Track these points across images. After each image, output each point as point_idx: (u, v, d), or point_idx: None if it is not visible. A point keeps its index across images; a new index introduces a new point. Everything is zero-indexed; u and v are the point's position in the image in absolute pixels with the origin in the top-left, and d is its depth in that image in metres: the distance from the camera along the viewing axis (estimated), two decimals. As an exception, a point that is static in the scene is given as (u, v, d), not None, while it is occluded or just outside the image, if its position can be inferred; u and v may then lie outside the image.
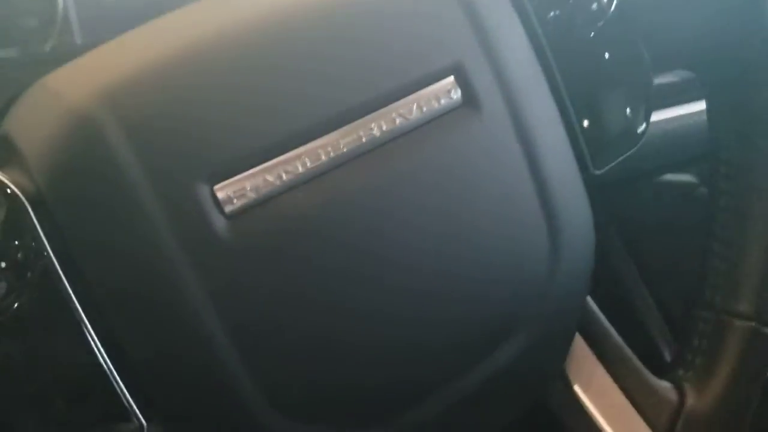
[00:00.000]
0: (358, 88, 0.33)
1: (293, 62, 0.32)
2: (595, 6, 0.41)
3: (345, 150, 0.32)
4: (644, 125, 0.42)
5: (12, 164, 0.31)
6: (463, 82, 0.35)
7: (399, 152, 0.33)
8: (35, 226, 0.29)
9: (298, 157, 0.31)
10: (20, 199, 0.28)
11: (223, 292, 0.30)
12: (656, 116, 0.48)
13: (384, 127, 0.33)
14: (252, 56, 0.31)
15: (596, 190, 0.40)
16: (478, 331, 0.36)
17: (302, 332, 0.32)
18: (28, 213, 0.28)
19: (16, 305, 0.28)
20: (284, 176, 0.31)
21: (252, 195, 0.30)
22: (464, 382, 0.37)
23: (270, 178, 0.31)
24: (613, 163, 0.41)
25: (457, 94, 0.35)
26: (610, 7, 0.41)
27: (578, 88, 0.40)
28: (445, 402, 0.37)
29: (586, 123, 0.40)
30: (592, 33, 0.40)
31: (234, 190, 0.30)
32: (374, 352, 0.34)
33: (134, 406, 0.30)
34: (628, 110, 0.42)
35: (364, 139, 0.32)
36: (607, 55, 0.41)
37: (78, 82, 0.30)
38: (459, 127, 0.35)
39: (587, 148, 0.40)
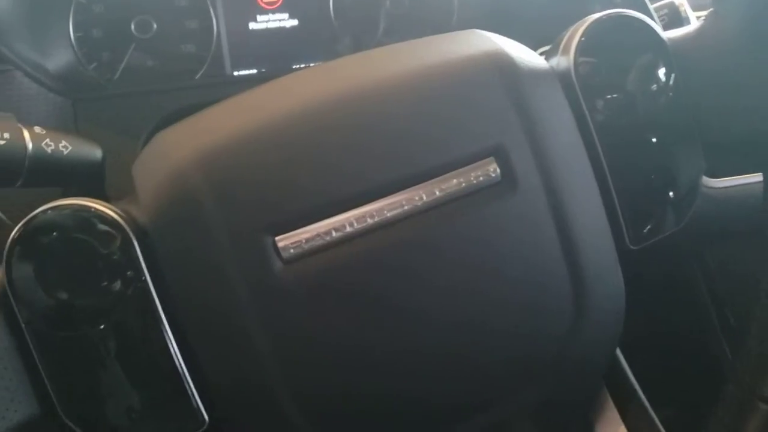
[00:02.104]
0: (405, 162, 0.38)
1: (348, 140, 0.38)
2: (650, 91, 0.43)
3: (388, 215, 0.38)
4: (688, 207, 0.44)
5: (131, 198, 0.39)
6: (503, 162, 0.39)
7: (437, 220, 0.38)
8: (138, 254, 0.37)
9: (347, 219, 0.37)
10: (128, 233, 0.37)
11: (274, 319, 0.37)
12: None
13: (425, 198, 0.38)
14: (313, 134, 0.38)
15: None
16: (501, 373, 0.41)
17: (340, 359, 0.38)
18: (133, 244, 0.37)
19: (118, 315, 0.36)
20: (334, 234, 0.37)
21: (306, 246, 0.37)
22: (487, 417, 0.41)
23: (322, 234, 0.37)
24: (651, 241, 0.43)
25: (496, 173, 0.39)
26: (667, 93, 0.43)
27: (623, 169, 0.42)
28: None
29: (626, 201, 0.43)
30: (645, 117, 0.43)
31: (292, 242, 0.37)
32: (403, 382, 0.39)
33: (200, 405, 0.38)
34: (671, 193, 0.44)
35: (406, 207, 0.38)
36: (655, 139, 0.43)
37: (182, 143, 0.38)
38: (495, 201, 0.39)
39: (625, 225, 0.43)
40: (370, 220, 0.37)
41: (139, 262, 0.37)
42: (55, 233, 0.36)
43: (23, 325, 0.36)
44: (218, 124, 0.39)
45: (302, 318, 0.37)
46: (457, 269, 0.39)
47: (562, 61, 0.43)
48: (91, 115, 0.66)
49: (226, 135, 0.38)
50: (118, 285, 0.36)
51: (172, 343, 0.37)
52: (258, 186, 0.37)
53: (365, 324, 0.38)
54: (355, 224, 0.37)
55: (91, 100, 0.66)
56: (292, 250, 0.37)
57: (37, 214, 0.36)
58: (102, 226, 0.36)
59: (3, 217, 0.41)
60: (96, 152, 0.46)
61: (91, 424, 0.37)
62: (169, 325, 0.37)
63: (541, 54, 0.45)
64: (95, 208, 0.37)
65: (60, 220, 0.36)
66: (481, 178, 0.39)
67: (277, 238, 0.37)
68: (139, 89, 0.69)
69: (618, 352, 0.48)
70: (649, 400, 0.50)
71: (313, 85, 0.40)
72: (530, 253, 0.40)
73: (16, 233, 0.36)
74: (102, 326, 0.36)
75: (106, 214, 0.37)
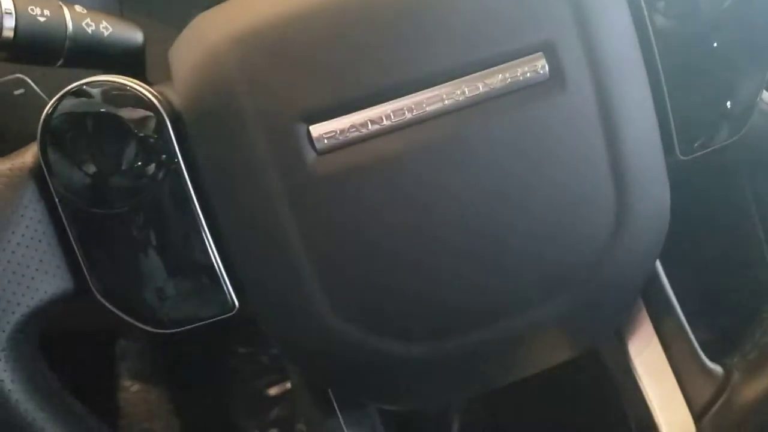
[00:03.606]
0: (448, 53, 0.36)
1: (389, 27, 0.36)
2: None
3: (428, 109, 0.36)
4: (744, 120, 0.42)
5: (167, 82, 0.39)
6: (552, 59, 0.37)
7: (478, 117, 0.37)
8: (171, 138, 0.36)
9: (384, 111, 0.36)
10: (162, 114, 0.36)
11: (305, 210, 0.37)
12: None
13: (467, 93, 0.37)
14: (353, 21, 0.36)
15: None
16: (536, 278, 0.40)
17: (371, 253, 0.38)
18: (167, 126, 0.36)
19: (151, 197, 0.37)
20: (370, 126, 0.36)
21: (340, 138, 0.36)
22: (518, 321, 0.41)
23: (358, 125, 0.36)
24: (702, 152, 0.41)
25: (544, 70, 0.37)
26: None
27: (680, 75, 0.40)
28: (499, 334, 0.41)
29: (679, 108, 0.40)
30: (709, 20, 0.40)
31: (326, 132, 0.36)
32: (435, 280, 0.39)
33: (231, 291, 0.39)
34: (728, 103, 0.41)
35: (447, 102, 0.36)
36: (717, 45, 0.40)
37: (217, 26, 0.37)
38: (541, 100, 0.37)
39: (677, 134, 0.40)
40: (408, 114, 0.36)
41: (173, 146, 0.37)
42: (89, 108, 0.36)
43: (57, 200, 0.36)
44: (257, 7, 0.37)
45: (334, 210, 0.37)
46: (496, 169, 0.37)
47: None
48: (137, 1, 0.65)
49: (263, 17, 0.36)
50: (152, 167, 0.36)
51: (204, 229, 0.38)
52: (293, 71, 0.36)
53: (397, 220, 0.37)
54: (392, 117, 0.36)
55: (138, -15, 0.65)
56: (326, 141, 0.36)
57: (72, 88, 0.36)
58: (136, 106, 0.36)
59: (38, 91, 0.41)
60: (137, 36, 0.45)
61: (122, 301, 0.38)
62: (202, 210, 0.37)
63: None
64: (130, 86, 0.36)
65: (95, 96, 0.36)
66: (528, 75, 0.37)
67: (311, 127, 0.36)
68: None
69: (658, 265, 0.46)
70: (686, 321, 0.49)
71: None
72: (574, 155, 0.38)
73: (50, 107, 0.35)
74: (134, 207, 0.36)
75: (142, 93, 0.36)
